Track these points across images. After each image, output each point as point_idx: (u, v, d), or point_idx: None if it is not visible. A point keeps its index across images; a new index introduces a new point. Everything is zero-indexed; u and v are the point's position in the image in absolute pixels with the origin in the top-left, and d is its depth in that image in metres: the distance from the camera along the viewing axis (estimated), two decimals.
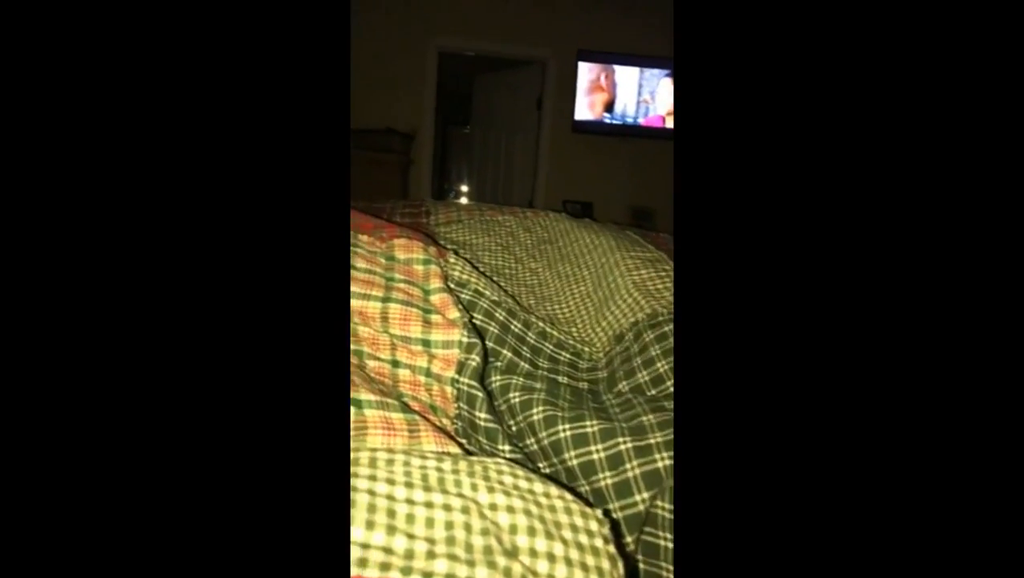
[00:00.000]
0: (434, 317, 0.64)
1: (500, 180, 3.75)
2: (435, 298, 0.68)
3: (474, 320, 0.69)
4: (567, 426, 0.53)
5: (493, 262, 0.95)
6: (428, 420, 0.51)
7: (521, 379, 0.61)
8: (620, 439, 0.51)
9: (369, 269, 0.68)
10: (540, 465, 0.54)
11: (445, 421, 0.59)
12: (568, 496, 0.39)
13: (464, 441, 0.57)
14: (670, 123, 3.27)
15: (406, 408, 0.50)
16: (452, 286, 0.74)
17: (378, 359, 0.61)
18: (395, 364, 0.62)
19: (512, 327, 0.74)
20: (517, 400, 0.59)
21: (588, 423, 0.53)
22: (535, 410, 0.56)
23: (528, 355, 0.71)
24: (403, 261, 0.73)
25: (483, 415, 0.56)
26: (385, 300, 0.64)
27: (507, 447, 0.54)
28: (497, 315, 0.74)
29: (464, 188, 5.27)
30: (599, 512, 0.38)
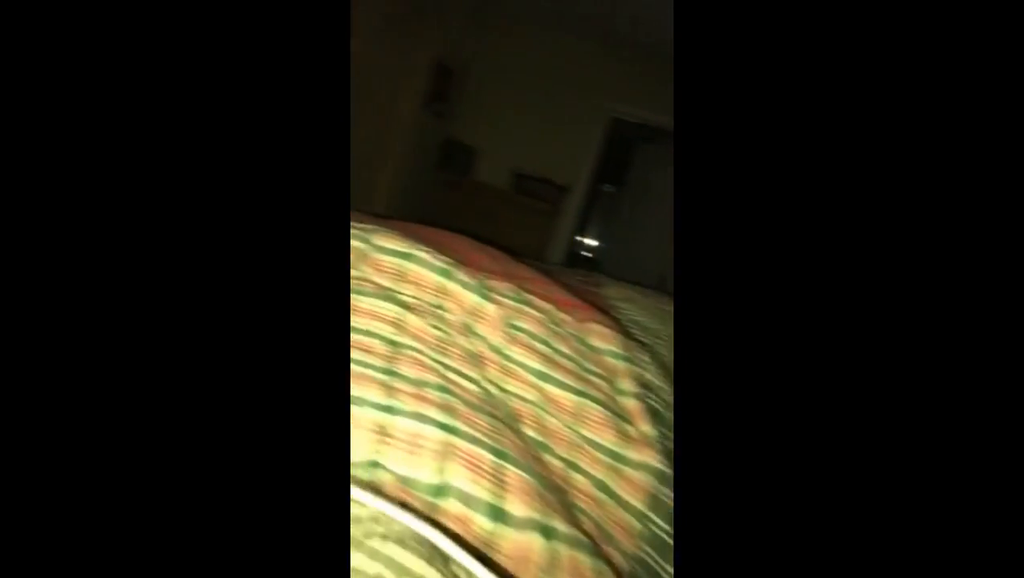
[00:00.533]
0: (629, 428, 0.58)
1: (635, 249, 3.68)
2: (627, 402, 0.62)
3: (664, 440, 0.62)
4: None
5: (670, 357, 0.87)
6: (613, 565, 0.44)
7: None
8: None
9: (568, 355, 0.64)
10: None
11: (616, 554, 0.52)
12: None
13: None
14: None
15: (594, 549, 0.43)
16: (640, 390, 0.68)
17: (559, 457, 0.56)
18: (571, 466, 0.56)
19: None
20: None
21: None
22: None
23: None
24: (597, 350, 0.68)
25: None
26: (581, 394, 0.59)
27: None
28: None
29: (592, 242, 5.27)
30: None
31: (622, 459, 0.56)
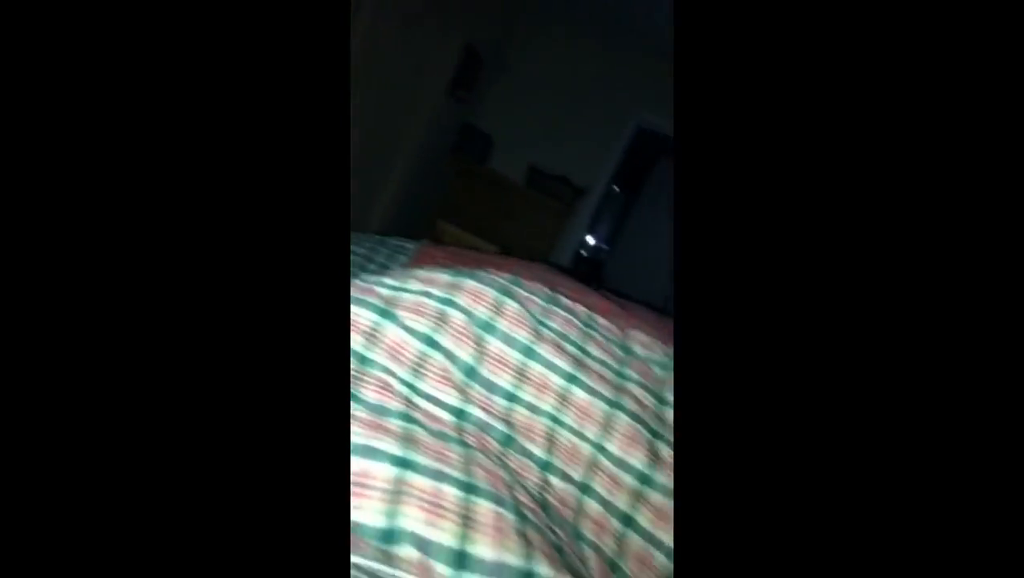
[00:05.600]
0: (664, 447, 0.53)
1: (643, 259, 3.64)
2: (670, 414, 0.57)
3: None
4: None
5: None
6: None
7: None
8: None
9: (603, 360, 0.59)
10: None
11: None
12: None
13: None
14: None
15: None
16: None
17: (568, 479, 0.51)
18: (584, 489, 0.51)
19: None
20: None
21: None
22: None
23: None
24: (641, 358, 0.63)
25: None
26: (614, 405, 0.54)
27: None
28: None
29: (597, 244, 5.23)
30: None
31: (651, 483, 0.51)
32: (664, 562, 0.47)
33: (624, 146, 3.29)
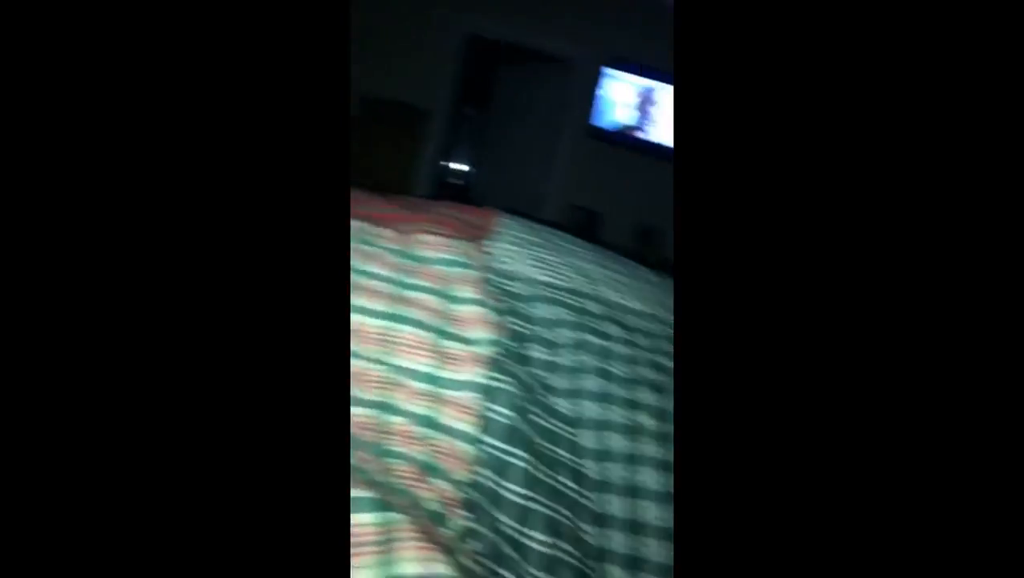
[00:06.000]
0: (450, 345, 0.51)
1: (509, 172, 3.62)
2: (462, 310, 0.55)
3: (534, 312, 0.57)
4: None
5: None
6: (412, 514, 0.39)
7: (597, 381, 0.51)
8: None
9: (380, 274, 0.55)
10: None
11: (445, 486, 0.47)
12: None
13: (469, 517, 0.45)
14: None
15: (385, 505, 0.37)
16: (502, 282, 0.61)
17: (362, 403, 0.48)
18: (382, 407, 0.49)
19: (590, 308, 0.60)
20: (593, 415, 0.49)
21: None
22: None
23: (619, 341, 0.57)
24: (426, 261, 0.59)
25: (517, 488, 0.44)
26: (391, 317, 0.51)
27: (541, 536, 0.43)
28: (567, 300, 0.60)
29: (461, 168, 5.12)
30: None
31: (440, 382, 0.50)
32: (470, 450, 0.47)
33: (459, 58, 3.12)
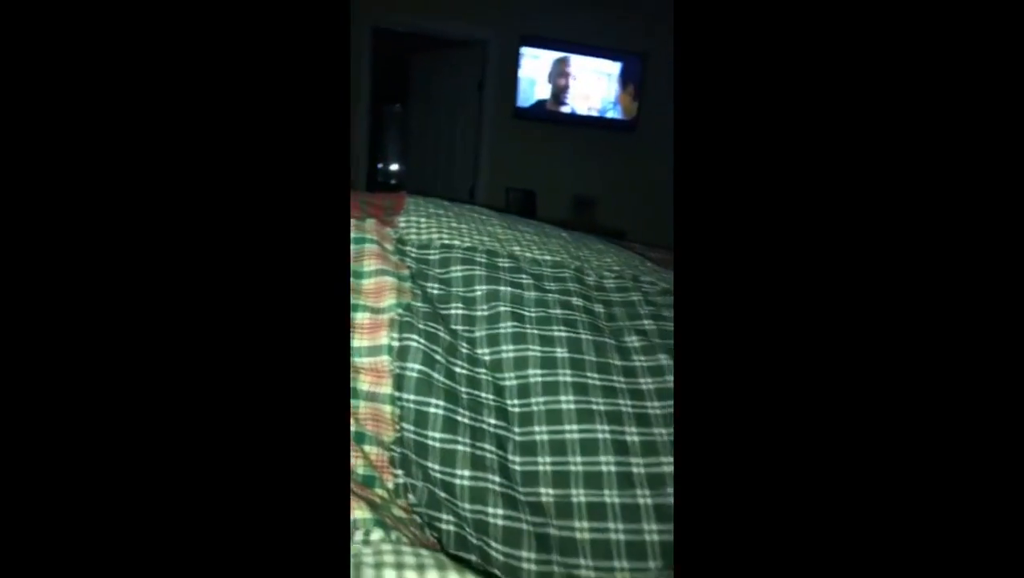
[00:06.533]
0: (361, 317, 0.53)
1: (440, 164, 3.60)
2: (369, 283, 0.57)
3: (450, 274, 0.60)
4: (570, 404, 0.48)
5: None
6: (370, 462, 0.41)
7: (512, 324, 0.54)
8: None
9: None
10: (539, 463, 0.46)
11: (374, 450, 0.48)
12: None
13: (400, 473, 0.47)
14: (612, 114, 3.27)
15: None
16: (414, 251, 0.63)
17: None
18: None
19: (500, 264, 0.63)
20: (511, 355, 0.51)
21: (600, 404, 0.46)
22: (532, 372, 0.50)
23: (530, 288, 0.60)
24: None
25: (439, 434, 0.47)
26: None
27: (467, 472, 0.45)
28: (478, 258, 0.63)
29: (394, 167, 5.05)
30: None
31: (355, 352, 0.51)
32: (391, 409, 0.49)
33: (369, 54, 3.06)
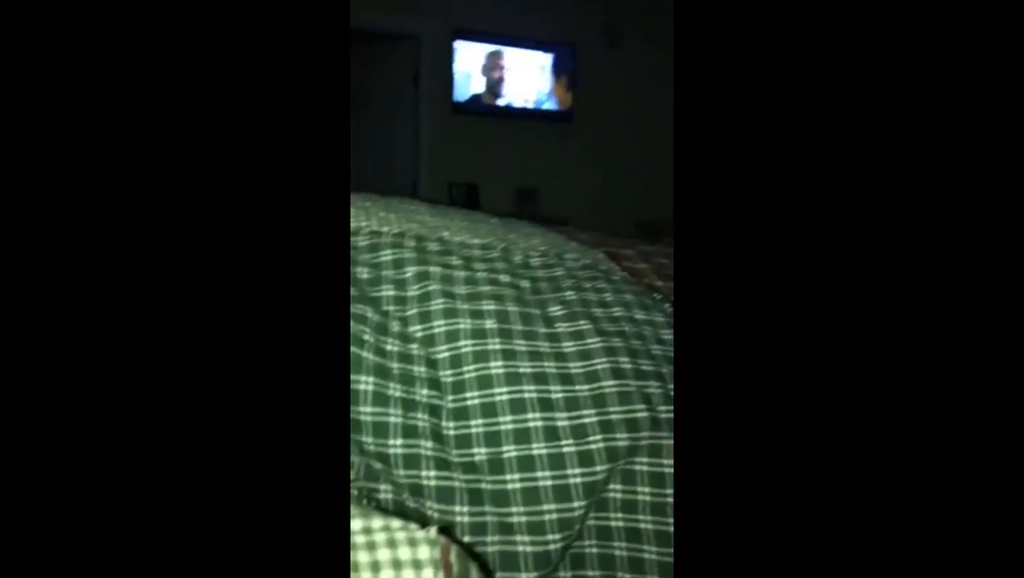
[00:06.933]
0: None
1: (379, 162, 3.55)
2: None
3: (379, 258, 0.62)
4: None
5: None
6: None
7: (443, 301, 0.57)
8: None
9: None
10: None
11: None
12: (395, 524, 0.32)
13: None
14: (548, 105, 3.33)
15: None
16: None
17: None
18: None
19: (429, 247, 0.66)
20: (442, 329, 0.54)
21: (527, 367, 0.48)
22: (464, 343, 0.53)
23: (459, 268, 0.64)
24: None
25: (369, 409, 0.49)
26: None
27: (399, 441, 0.48)
28: (407, 243, 0.65)
29: None
30: (432, 532, 0.33)
31: None
32: None
33: None
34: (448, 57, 3.11)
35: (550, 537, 0.46)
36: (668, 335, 0.63)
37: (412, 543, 0.31)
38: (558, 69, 3.30)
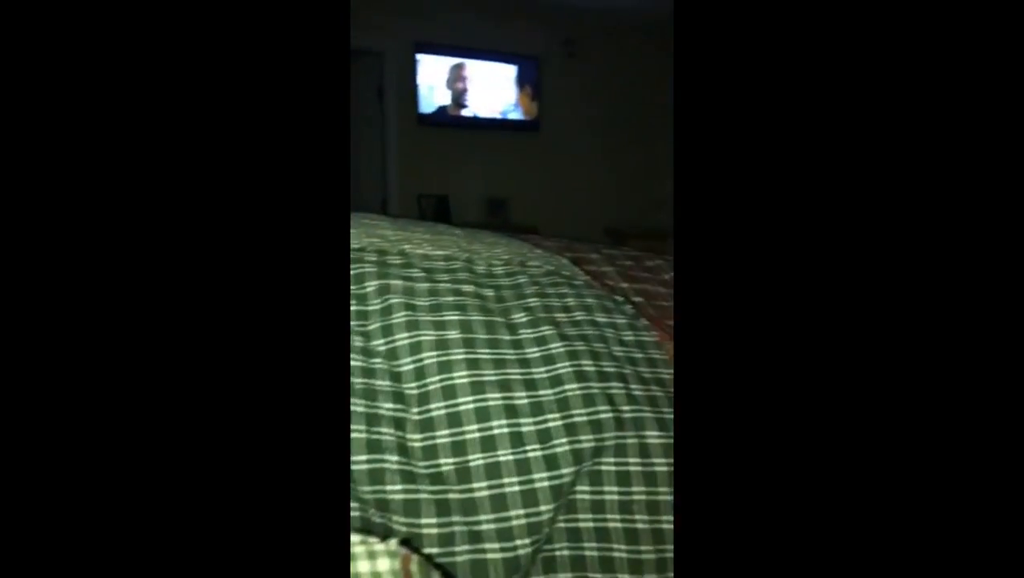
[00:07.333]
0: None
1: (352, 179, 3.51)
2: None
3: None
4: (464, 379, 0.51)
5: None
6: None
7: (405, 314, 0.57)
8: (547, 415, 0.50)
9: None
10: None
11: None
12: (354, 538, 0.32)
13: None
14: (513, 115, 3.37)
15: None
16: None
17: None
18: None
19: (390, 261, 0.66)
20: (405, 342, 0.54)
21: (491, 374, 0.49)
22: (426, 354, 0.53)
23: (421, 280, 0.64)
24: None
25: None
26: None
27: (363, 457, 0.47)
28: (367, 257, 0.65)
29: None
30: (392, 544, 0.33)
31: None
32: None
33: None
34: (411, 70, 3.12)
35: (519, 542, 0.46)
36: (630, 336, 0.64)
37: (371, 556, 0.31)
38: (522, 80, 3.35)
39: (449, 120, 3.25)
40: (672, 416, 0.57)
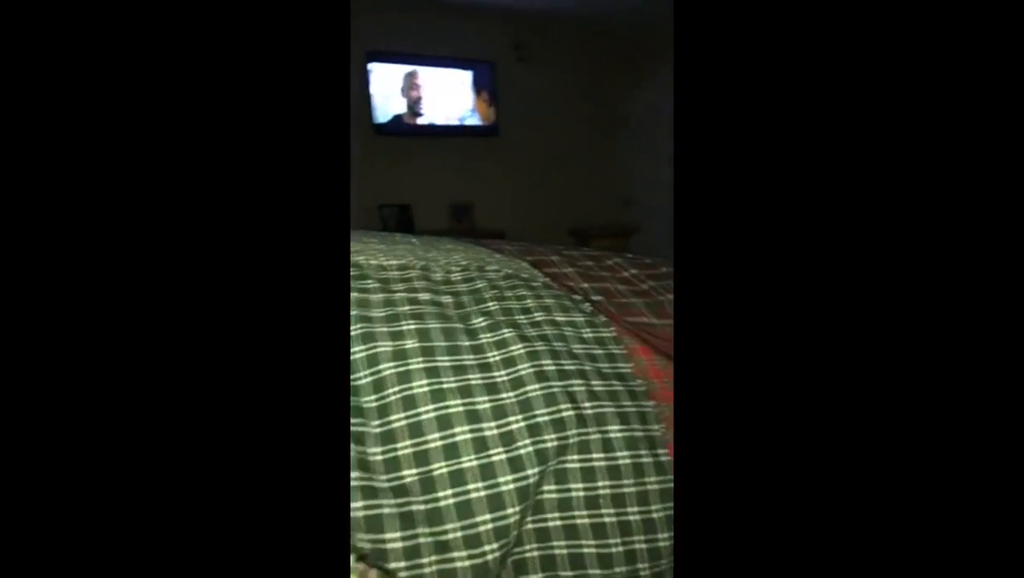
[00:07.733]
0: None
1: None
2: None
3: None
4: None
5: None
6: None
7: (360, 326, 0.57)
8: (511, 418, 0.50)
9: None
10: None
11: None
12: None
13: None
14: (471, 121, 3.37)
15: None
16: None
17: None
18: None
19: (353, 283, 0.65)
20: (362, 355, 0.54)
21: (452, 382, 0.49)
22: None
23: (376, 291, 0.63)
24: None
25: None
26: None
27: None
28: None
29: None
30: (351, 560, 0.32)
31: None
32: None
33: None
34: (364, 80, 3.09)
35: (487, 547, 0.46)
36: (588, 333, 0.65)
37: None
38: (478, 85, 3.35)
39: (405, 128, 3.22)
40: (634, 409, 0.58)
